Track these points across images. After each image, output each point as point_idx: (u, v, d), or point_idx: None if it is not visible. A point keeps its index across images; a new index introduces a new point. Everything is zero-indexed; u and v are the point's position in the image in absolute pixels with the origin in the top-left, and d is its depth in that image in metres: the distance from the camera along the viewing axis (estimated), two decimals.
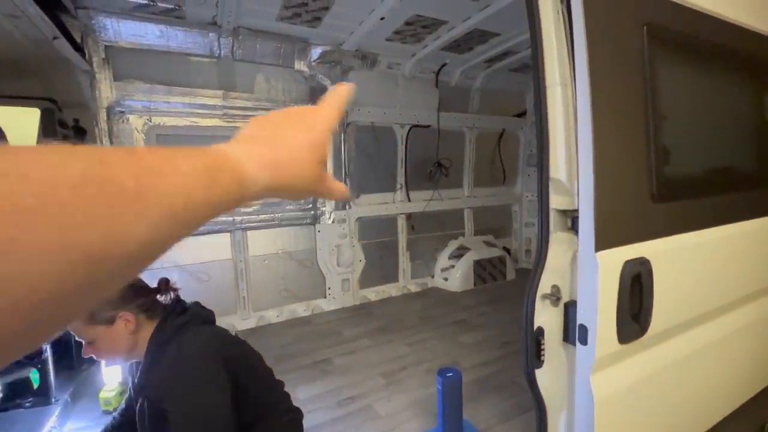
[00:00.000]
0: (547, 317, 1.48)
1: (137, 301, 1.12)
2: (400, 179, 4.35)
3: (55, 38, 2.16)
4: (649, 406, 1.46)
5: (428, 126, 4.34)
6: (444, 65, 4.08)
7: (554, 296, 1.48)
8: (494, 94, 4.76)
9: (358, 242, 4.14)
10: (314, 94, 3.69)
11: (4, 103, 2.31)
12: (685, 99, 1.57)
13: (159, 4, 2.62)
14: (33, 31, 1.97)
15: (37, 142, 2.29)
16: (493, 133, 4.97)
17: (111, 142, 2.95)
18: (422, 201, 4.49)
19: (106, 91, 2.88)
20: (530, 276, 1.44)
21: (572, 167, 1.42)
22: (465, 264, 4.48)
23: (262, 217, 3.62)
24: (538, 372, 1.46)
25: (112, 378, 2.35)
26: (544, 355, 1.47)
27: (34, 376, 2.16)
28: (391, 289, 4.36)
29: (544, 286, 1.46)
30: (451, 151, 4.54)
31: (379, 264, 4.31)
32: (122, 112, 2.99)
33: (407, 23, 3.11)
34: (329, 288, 3.97)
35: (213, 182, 0.29)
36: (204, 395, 0.99)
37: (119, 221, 0.21)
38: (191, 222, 0.27)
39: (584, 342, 1.34)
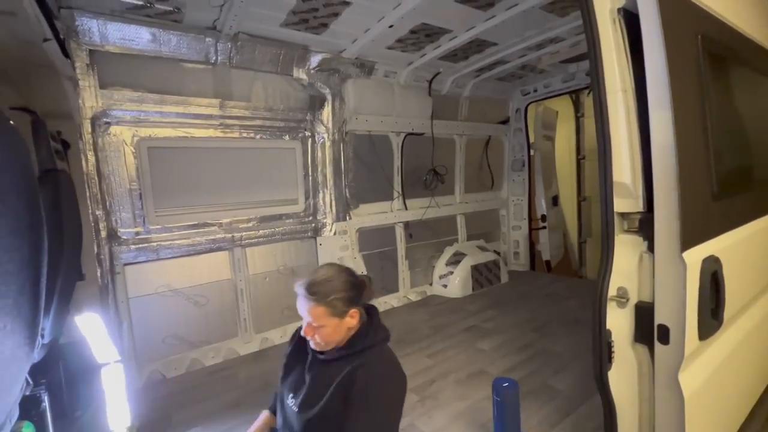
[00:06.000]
0: (615, 319, 1.48)
1: (359, 299, 1.27)
2: (397, 187, 4.31)
3: (45, 40, 1.90)
4: (727, 387, 1.52)
5: (422, 134, 4.36)
6: (437, 74, 4.12)
7: (622, 298, 1.49)
8: (480, 103, 4.87)
9: (359, 253, 4.03)
10: (313, 102, 3.57)
11: None
12: (732, 101, 1.68)
13: (157, 5, 2.40)
14: (25, 31, 1.72)
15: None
16: (480, 140, 5.09)
17: (96, 157, 2.64)
18: (419, 209, 4.47)
19: (90, 100, 2.57)
20: (598, 279, 1.45)
21: (636, 170, 1.45)
22: (463, 270, 4.51)
23: (262, 232, 3.41)
24: (609, 374, 1.46)
25: (120, 424, 2.05)
26: (613, 357, 1.48)
27: (27, 430, 1.84)
28: (392, 300, 4.28)
29: (611, 288, 1.47)
30: (442, 158, 4.58)
31: (380, 275, 4.22)
32: (108, 123, 2.70)
33: (412, 31, 3.11)
34: None
35: None
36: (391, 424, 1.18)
37: None
38: None
39: (665, 341, 1.36)
